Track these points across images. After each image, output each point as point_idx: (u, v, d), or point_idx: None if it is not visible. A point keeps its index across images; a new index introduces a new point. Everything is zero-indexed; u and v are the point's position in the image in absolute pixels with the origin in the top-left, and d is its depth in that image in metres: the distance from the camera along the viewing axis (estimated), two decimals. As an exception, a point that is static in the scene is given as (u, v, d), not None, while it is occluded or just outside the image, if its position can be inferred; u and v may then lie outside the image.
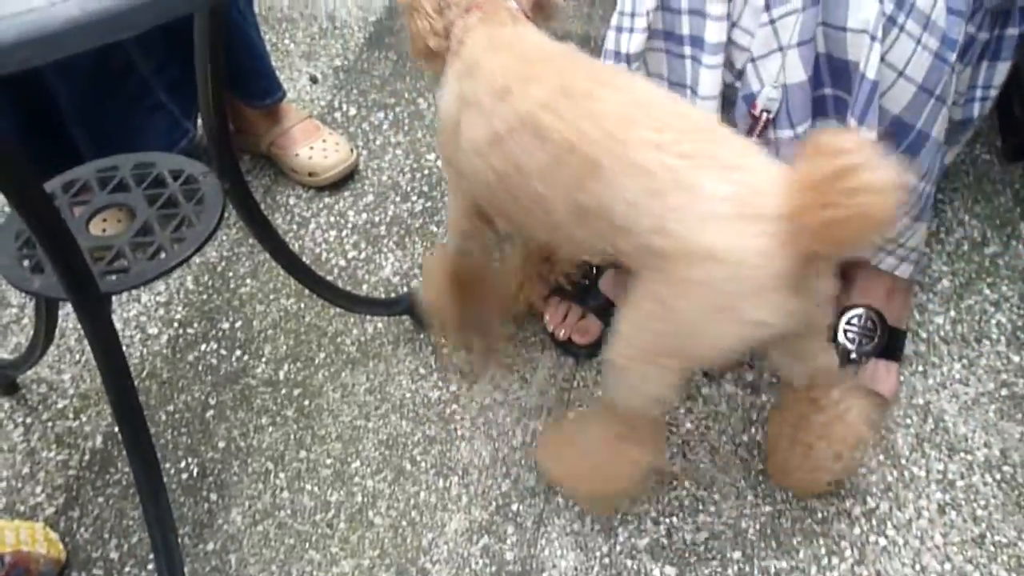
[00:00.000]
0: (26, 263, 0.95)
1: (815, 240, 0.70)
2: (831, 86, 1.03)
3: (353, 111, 1.75)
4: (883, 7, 0.93)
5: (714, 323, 0.78)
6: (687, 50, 1.06)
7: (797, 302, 0.75)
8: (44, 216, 0.78)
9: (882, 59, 0.96)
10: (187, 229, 0.97)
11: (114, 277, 0.92)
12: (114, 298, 1.43)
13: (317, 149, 1.58)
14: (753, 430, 1.23)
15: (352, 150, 1.60)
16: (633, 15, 1.03)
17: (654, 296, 0.81)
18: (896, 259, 1.17)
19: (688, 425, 1.24)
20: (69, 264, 0.83)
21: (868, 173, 0.66)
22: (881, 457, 1.20)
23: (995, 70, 1.26)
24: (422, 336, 1.36)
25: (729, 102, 1.09)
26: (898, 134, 1.03)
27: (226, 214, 1.06)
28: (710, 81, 1.04)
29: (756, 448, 1.22)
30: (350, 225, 1.54)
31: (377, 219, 1.54)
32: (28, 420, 1.30)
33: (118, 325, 1.41)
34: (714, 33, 1.02)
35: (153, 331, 1.40)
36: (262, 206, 1.56)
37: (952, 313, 1.35)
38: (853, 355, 1.21)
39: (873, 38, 0.94)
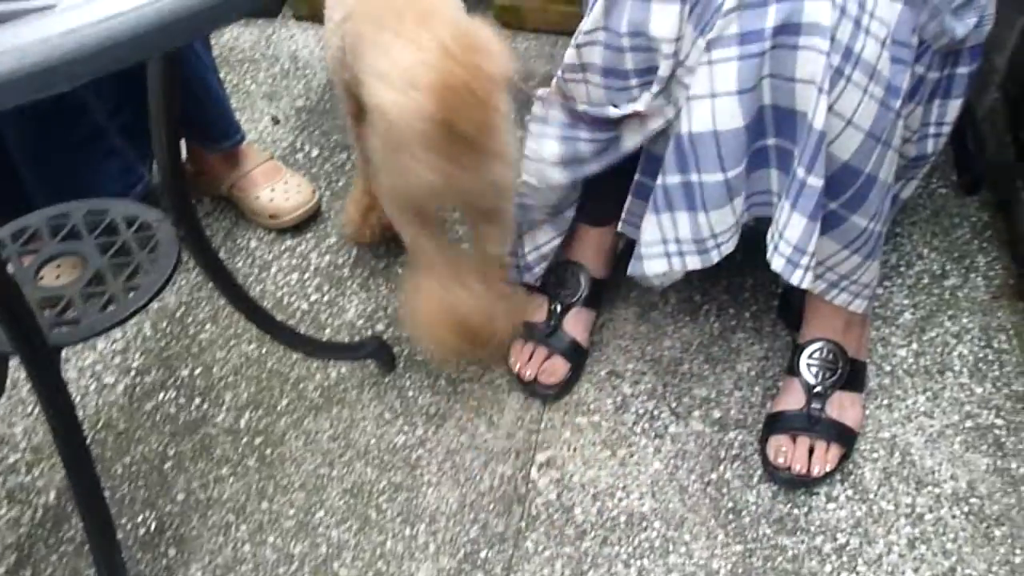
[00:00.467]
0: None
1: (446, 108, 0.86)
2: (775, 136, 1.04)
3: (316, 152, 1.74)
4: (830, 60, 0.94)
5: (394, 166, 0.97)
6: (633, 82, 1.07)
7: (453, 170, 0.92)
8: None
9: (830, 109, 0.97)
10: (141, 278, 0.95)
11: (64, 329, 0.90)
12: (68, 347, 1.40)
13: (279, 191, 1.56)
14: (722, 468, 1.22)
15: (314, 191, 1.59)
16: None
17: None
18: (849, 295, 1.18)
19: (656, 465, 1.23)
20: (15, 316, 0.80)
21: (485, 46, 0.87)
22: (850, 492, 1.20)
23: (947, 107, 1.29)
24: (387, 380, 1.34)
25: (665, 134, 1.09)
26: (847, 179, 1.04)
27: (186, 259, 1.05)
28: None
29: (725, 486, 1.21)
30: (313, 267, 1.52)
31: (340, 261, 1.53)
32: (-22, 476, 1.26)
33: (72, 374, 1.38)
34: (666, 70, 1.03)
35: (109, 380, 1.37)
36: (222, 250, 1.55)
37: (915, 346, 1.36)
38: (817, 388, 1.21)
39: (820, 90, 0.95)
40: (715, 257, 1.09)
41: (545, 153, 1.17)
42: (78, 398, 1.33)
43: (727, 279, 1.45)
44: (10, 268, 0.97)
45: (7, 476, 1.25)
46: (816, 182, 0.99)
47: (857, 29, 0.94)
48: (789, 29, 0.94)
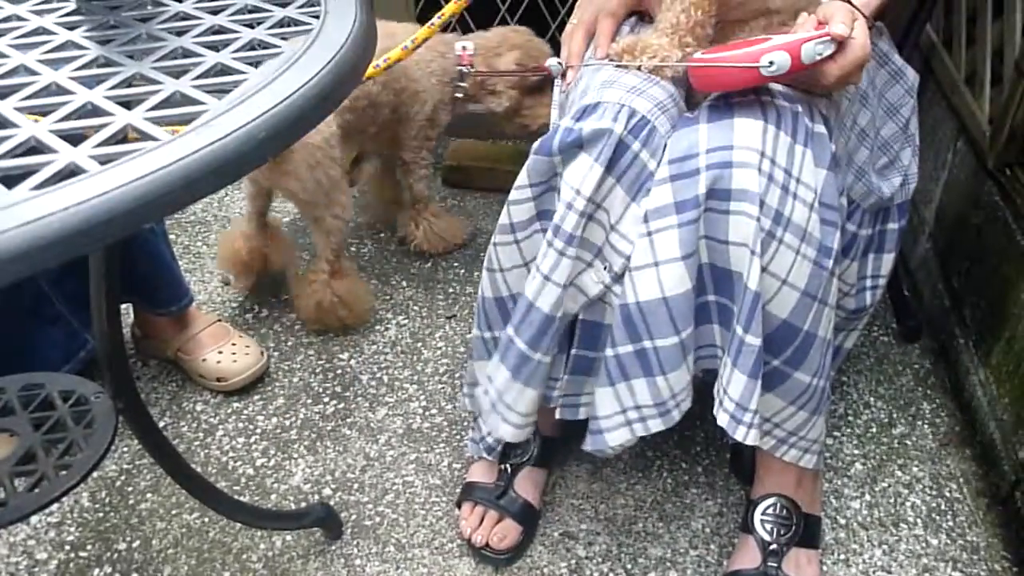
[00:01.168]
0: None
1: None
2: (714, 293, 1.07)
3: (265, 312, 1.74)
4: (760, 223, 0.98)
5: None
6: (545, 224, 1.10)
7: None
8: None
9: (764, 269, 1.00)
10: (74, 455, 0.92)
11: (-11, 513, 0.86)
12: None
13: (226, 353, 1.55)
14: (681, 633, 1.19)
15: (263, 352, 1.58)
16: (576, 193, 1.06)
17: None
18: (798, 451, 1.18)
19: (614, 631, 1.19)
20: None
21: None
22: (813, 655, 1.16)
23: (881, 261, 1.34)
24: (334, 547, 1.30)
25: (602, 303, 1.11)
26: (787, 336, 1.06)
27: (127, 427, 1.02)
28: (550, 263, 1.06)
29: (685, 653, 1.16)
30: (259, 431, 1.49)
31: (288, 423, 1.50)
32: None
33: (3, 551, 1.31)
34: (557, 213, 1.05)
35: (42, 556, 1.30)
36: (167, 414, 1.52)
37: (867, 497, 1.36)
38: (773, 546, 1.20)
39: (753, 252, 0.98)
40: (676, 416, 1.09)
41: None
42: (7, 578, 1.27)
43: (678, 433, 1.45)
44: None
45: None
46: (754, 340, 1.00)
47: (785, 194, 0.99)
48: (719, 195, 0.98)
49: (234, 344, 1.57)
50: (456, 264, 1.85)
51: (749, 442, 1.06)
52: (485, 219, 1.97)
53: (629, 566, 1.27)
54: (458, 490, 1.35)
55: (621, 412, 1.11)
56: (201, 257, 1.89)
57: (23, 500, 0.87)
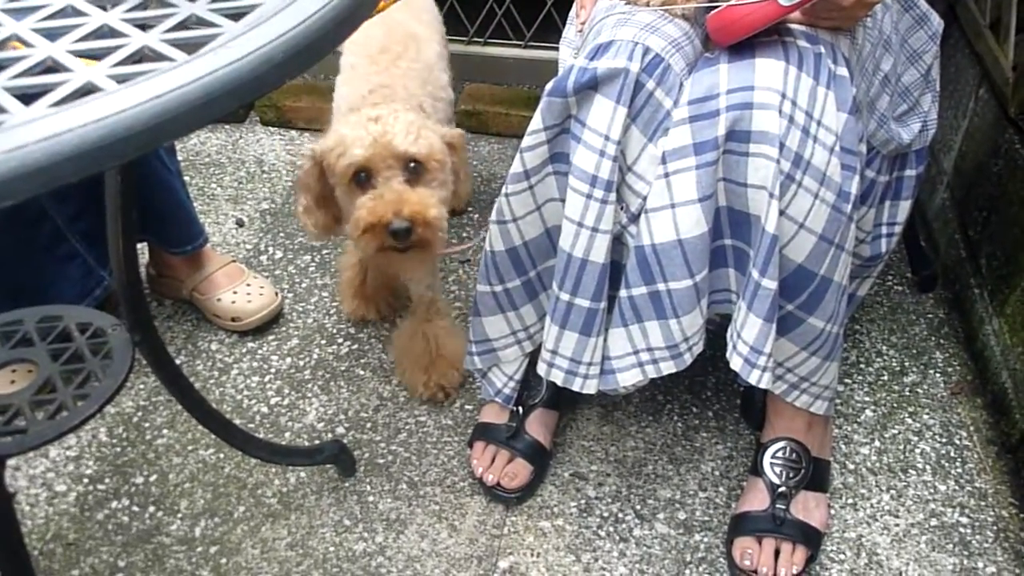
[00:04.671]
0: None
1: None
2: (730, 237, 1.07)
3: (279, 254, 1.75)
4: (780, 166, 0.97)
5: None
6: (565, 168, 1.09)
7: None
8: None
9: (782, 213, 0.99)
10: (92, 385, 0.93)
11: (10, 438, 0.88)
12: (16, 457, 1.36)
13: (241, 293, 1.56)
14: (688, 572, 1.20)
15: (277, 293, 1.59)
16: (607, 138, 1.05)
17: None
18: (810, 396, 1.19)
19: (621, 570, 1.21)
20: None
21: None
22: (818, 596, 1.18)
23: (898, 208, 1.33)
24: (347, 484, 1.31)
25: (620, 242, 1.11)
26: (802, 281, 1.06)
27: (144, 363, 1.03)
28: (577, 207, 1.06)
29: (692, 591, 1.18)
30: (273, 370, 1.50)
31: (301, 363, 1.51)
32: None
33: (22, 483, 1.34)
34: (582, 159, 1.04)
35: (61, 488, 1.33)
36: (183, 352, 1.53)
37: (877, 443, 1.36)
38: (782, 488, 1.21)
39: (771, 195, 0.98)
40: (688, 359, 1.10)
41: None
42: (27, 508, 1.29)
43: (689, 377, 1.46)
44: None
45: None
46: (770, 284, 1.00)
47: (806, 137, 0.98)
48: (739, 136, 0.97)
49: (249, 284, 1.58)
50: (471, 210, 1.84)
51: (762, 386, 1.07)
52: (500, 164, 1.96)
53: (638, 507, 1.28)
54: (470, 430, 1.37)
55: (633, 353, 1.12)
56: (215, 199, 1.90)
57: (43, 428, 0.88)
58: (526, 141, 1.10)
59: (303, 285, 1.67)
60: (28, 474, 1.35)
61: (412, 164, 1.17)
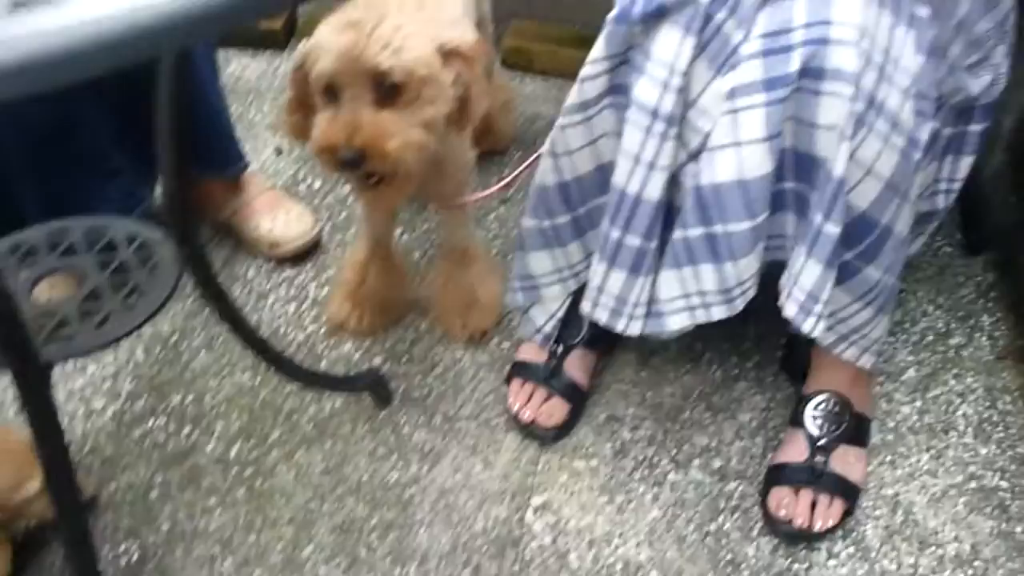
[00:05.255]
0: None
1: None
2: (793, 180, 1.03)
3: (318, 184, 1.73)
4: (853, 106, 0.93)
5: None
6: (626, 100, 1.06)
7: None
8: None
9: (850, 156, 0.96)
10: (139, 297, 0.92)
11: (58, 345, 0.87)
12: (57, 368, 1.36)
13: (279, 220, 1.55)
14: (721, 519, 1.20)
15: (316, 222, 1.58)
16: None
17: None
18: (858, 349, 1.16)
19: (655, 513, 1.20)
20: (8, 330, 0.78)
21: None
22: (851, 549, 1.17)
23: (959, 164, 1.29)
24: (382, 415, 1.31)
25: (677, 181, 1.08)
26: (863, 229, 1.03)
27: (181, 284, 1.02)
28: (635, 141, 1.03)
29: (725, 538, 1.18)
30: (311, 299, 1.49)
31: (339, 293, 1.50)
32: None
33: (60, 397, 1.34)
34: (644, 91, 1.01)
35: (98, 405, 1.33)
36: (219, 278, 1.52)
37: (918, 403, 1.34)
38: (822, 441, 1.19)
39: (843, 136, 0.94)
40: (740, 305, 1.08)
41: None
42: (65, 422, 1.29)
43: (729, 327, 1.42)
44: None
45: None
46: (833, 229, 0.97)
47: (881, 77, 0.94)
48: (813, 73, 0.93)
49: (288, 212, 1.56)
50: (512, 148, 1.81)
51: (815, 334, 1.04)
52: (545, 104, 1.92)
53: (673, 451, 1.27)
54: (506, 368, 1.36)
55: (684, 297, 1.10)
56: (254, 126, 1.87)
57: (90, 337, 0.88)
58: (585, 70, 1.06)
59: (342, 216, 1.66)
60: (67, 389, 1.36)
61: (387, 82, 1.03)
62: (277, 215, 1.55)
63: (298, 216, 1.56)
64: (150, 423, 1.31)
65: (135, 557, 1.15)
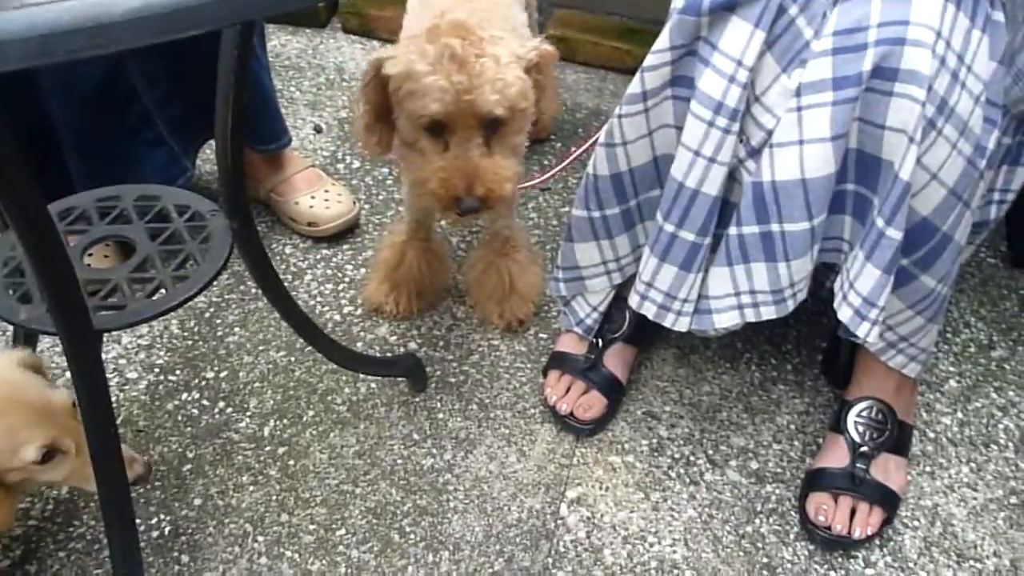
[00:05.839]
0: (12, 292, 0.88)
1: None
2: (854, 182, 1.01)
3: (356, 164, 1.72)
4: (924, 110, 0.91)
5: None
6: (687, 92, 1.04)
7: None
8: (46, 243, 0.72)
9: (917, 161, 0.94)
10: (190, 268, 0.91)
11: (109, 313, 0.86)
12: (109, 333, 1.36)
13: (319, 199, 1.53)
14: (758, 521, 1.18)
15: (355, 203, 1.56)
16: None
17: None
18: (906, 357, 1.15)
19: (690, 512, 1.19)
20: (64, 297, 0.77)
21: None
22: (889, 559, 1.15)
23: (1014, 175, 1.26)
24: (417, 400, 1.30)
25: (734, 177, 1.06)
26: (923, 236, 1.01)
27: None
28: (696, 135, 1.01)
29: (761, 540, 1.16)
30: (347, 279, 1.48)
31: (376, 275, 1.49)
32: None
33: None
34: (709, 84, 0.99)
35: (132, 375, 1.33)
36: (258, 253, 1.51)
37: (959, 415, 1.32)
38: (864, 448, 1.17)
39: (911, 139, 0.92)
40: (791, 306, 1.06)
41: None
42: (98, 390, 1.29)
43: (770, 329, 1.42)
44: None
45: (19, 464, 1.21)
46: (895, 234, 0.95)
47: (954, 82, 0.92)
48: (885, 74, 0.91)
49: (327, 191, 1.55)
50: (553, 138, 1.80)
51: (869, 340, 1.02)
52: (586, 94, 1.90)
53: (710, 451, 1.26)
54: (543, 359, 1.34)
55: (734, 295, 1.08)
56: (294, 103, 1.86)
57: (141, 306, 0.87)
58: (648, 60, 1.04)
59: (379, 197, 1.64)
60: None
61: (493, 121, 1.06)
62: (316, 193, 1.54)
63: (337, 195, 1.55)
64: (183, 397, 1.30)
65: (167, 530, 1.14)
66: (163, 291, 0.89)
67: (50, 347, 1.32)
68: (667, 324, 1.14)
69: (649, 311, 1.14)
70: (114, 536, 0.90)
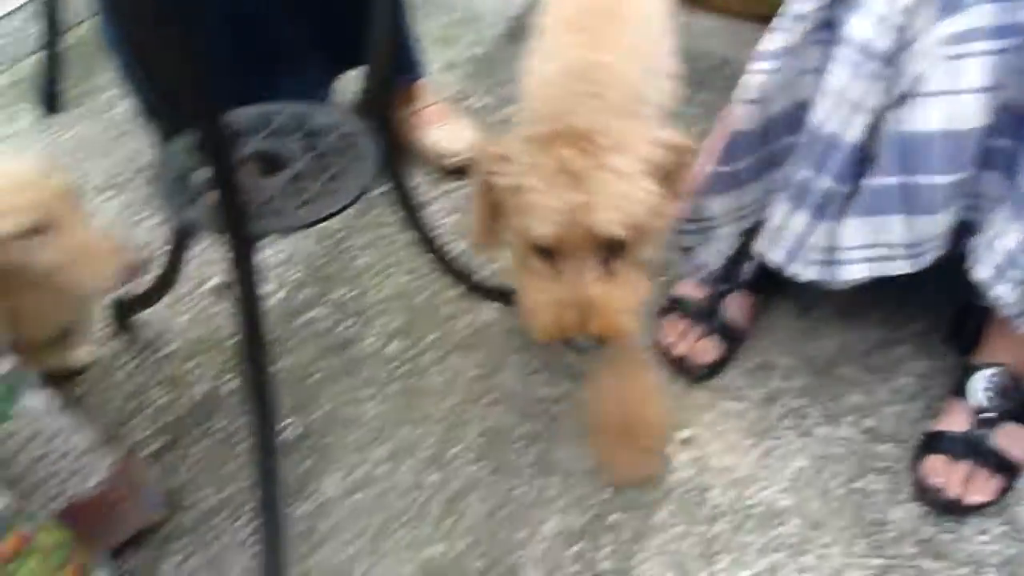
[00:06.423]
0: (179, 195, 0.95)
1: None
2: (1009, 137, 0.98)
3: (483, 102, 1.74)
4: None
5: None
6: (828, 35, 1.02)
7: None
8: (221, 149, 0.77)
9: None
10: (341, 182, 0.96)
11: (265, 221, 0.92)
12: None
13: (447, 132, 1.57)
14: (869, 478, 1.18)
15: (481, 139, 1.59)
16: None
17: None
18: None
19: (800, 462, 1.19)
20: (233, 201, 0.82)
21: None
22: (1004, 528, 1.13)
23: None
24: (534, 332, 1.33)
25: (875, 125, 1.04)
26: None
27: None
28: (842, 79, 0.99)
29: (871, 497, 1.16)
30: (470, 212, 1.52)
31: (499, 210, 1.52)
32: (138, 359, 1.30)
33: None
34: (860, 28, 0.97)
35: (268, 288, 1.40)
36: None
37: (1092, 389, 1.28)
38: (987, 414, 1.15)
39: None
40: (926, 262, 1.04)
41: None
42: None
43: (895, 287, 1.38)
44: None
45: (165, 363, 1.30)
46: None
47: None
48: None
49: (455, 125, 1.59)
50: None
51: (1007, 301, 1.00)
52: (716, 42, 1.87)
53: (824, 406, 1.25)
54: (660, 301, 1.35)
55: (867, 247, 1.07)
56: (424, 39, 1.88)
57: (294, 216, 0.92)
58: (796, 6, 1.03)
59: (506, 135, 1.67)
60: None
61: (613, 243, 0.89)
62: (445, 127, 1.58)
63: (465, 130, 1.58)
64: (314, 312, 1.37)
65: (297, 433, 1.21)
66: (314, 204, 0.94)
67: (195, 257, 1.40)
68: (792, 272, 1.13)
69: (776, 257, 1.14)
70: (257, 430, 0.97)
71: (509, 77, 1.77)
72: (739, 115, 1.13)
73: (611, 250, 0.90)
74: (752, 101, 1.11)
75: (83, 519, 0.96)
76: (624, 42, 1.04)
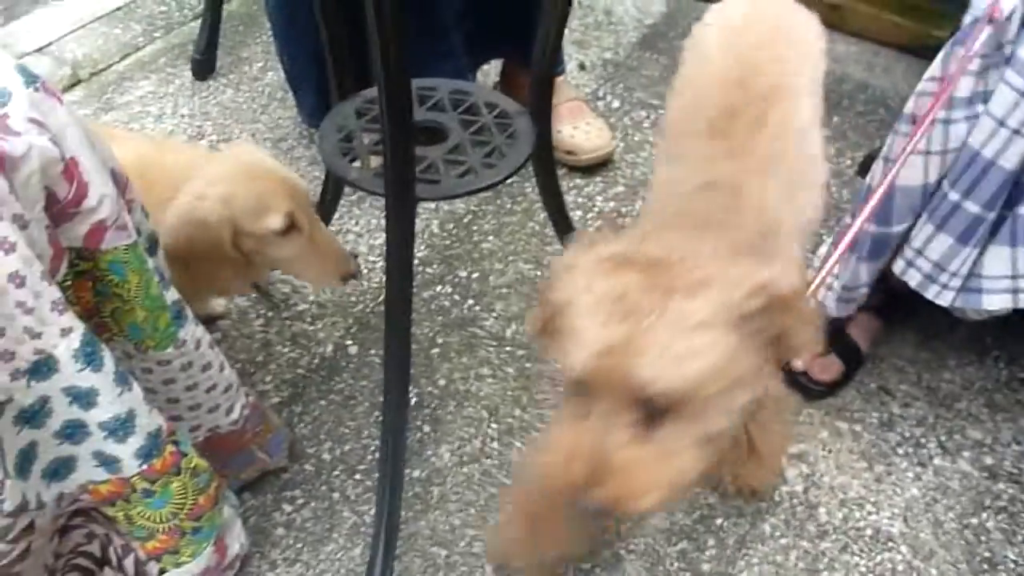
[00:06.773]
0: (344, 155, 0.99)
1: None
2: None
3: (616, 104, 1.76)
4: None
5: None
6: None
7: None
8: (404, 115, 0.81)
9: None
10: (497, 157, 0.99)
11: (426, 186, 0.95)
12: (372, 220, 1.49)
13: (580, 129, 1.59)
14: (984, 515, 1.15)
15: (613, 138, 1.61)
16: None
17: None
18: None
19: (914, 491, 1.17)
20: (403, 162, 0.86)
21: None
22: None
23: None
24: (652, 331, 1.34)
25: None
26: None
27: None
28: (1004, 104, 0.97)
29: (985, 534, 1.13)
30: (596, 209, 1.54)
31: (624, 210, 1.54)
32: (269, 315, 1.36)
33: (363, 249, 1.46)
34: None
35: (394, 262, 1.44)
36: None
37: None
38: None
39: None
40: None
41: None
42: (366, 271, 1.42)
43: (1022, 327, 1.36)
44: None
45: (294, 321, 1.35)
46: None
47: None
48: None
49: (588, 123, 1.61)
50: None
51: None
52: (855, 67, 1.86)
53: (943, 438, 1.23)
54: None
55: (1011, 277, 1.05)
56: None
57: (454, 183, 0.95)
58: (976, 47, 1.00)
59: (635, 138, 1.68)
60: (368, 243, 1.47)
61: (655, 403, 0.71)
62: (578, 124, 1.60)
63: (598, 129, 1.60)
64: (438, 289, 1.40)
65: (413, 402, 1.25)
66: (473, 174, 0.97)
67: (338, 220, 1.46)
68: (929, 296, 1.12)
69: (913, 279, 1.12)
70: (390, 387, 1.00)
71: (642, 83, 1.80)
72: (908, 169, 1.06)
73: (655, 408, 0.71)
74: (926, 152, 1.06)
75: (217, 452, 1.00)
76: (766, 154, 0.91)
